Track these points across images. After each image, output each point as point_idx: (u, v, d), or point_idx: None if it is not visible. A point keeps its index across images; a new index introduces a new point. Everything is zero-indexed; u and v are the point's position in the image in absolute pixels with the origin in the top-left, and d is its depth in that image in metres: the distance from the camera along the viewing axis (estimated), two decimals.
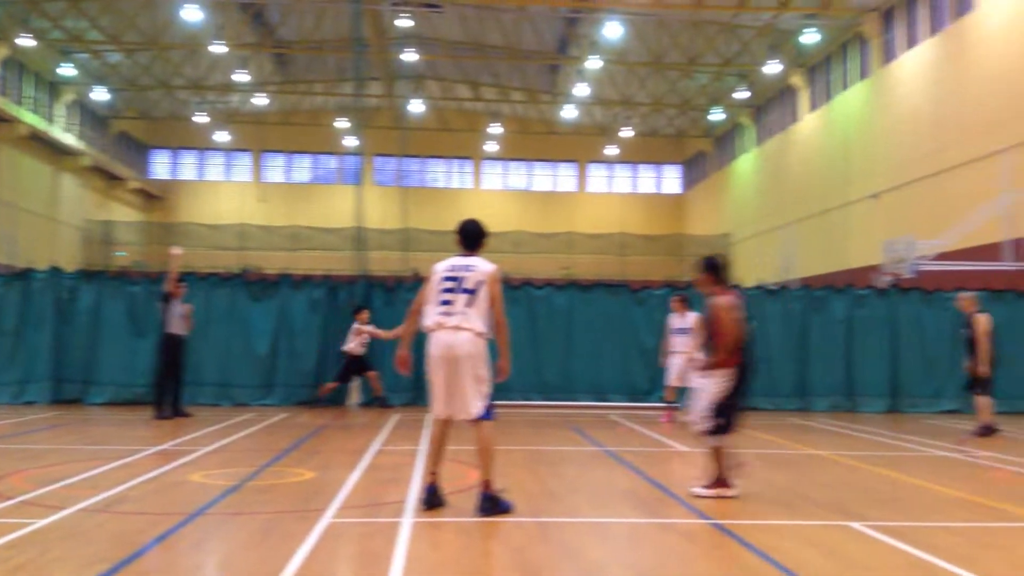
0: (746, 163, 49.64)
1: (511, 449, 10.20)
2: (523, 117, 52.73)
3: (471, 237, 6.99)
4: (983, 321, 12.67)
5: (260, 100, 48.67)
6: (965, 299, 13.22)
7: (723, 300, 7.43)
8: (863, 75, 36.17)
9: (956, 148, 28.70)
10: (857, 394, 16.97)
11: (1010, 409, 16.43)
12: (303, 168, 56.00)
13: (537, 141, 55.14)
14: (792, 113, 43.23)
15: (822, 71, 40.00)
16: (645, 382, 16.88)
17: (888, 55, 34.14)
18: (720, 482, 7.41)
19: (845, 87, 37.77)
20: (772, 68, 39.19)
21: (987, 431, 12.46)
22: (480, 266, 6.79)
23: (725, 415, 7.38)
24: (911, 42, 32.50)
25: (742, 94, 44.59)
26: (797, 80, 41.75)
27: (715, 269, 7.66)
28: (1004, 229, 25.33)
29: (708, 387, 7.40)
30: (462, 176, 57.39)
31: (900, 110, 32.95)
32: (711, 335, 7.46)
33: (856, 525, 6.32)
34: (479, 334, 6.62)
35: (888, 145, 33.60)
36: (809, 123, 41.35)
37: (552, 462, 9.52)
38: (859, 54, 36.51)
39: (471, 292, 6.68)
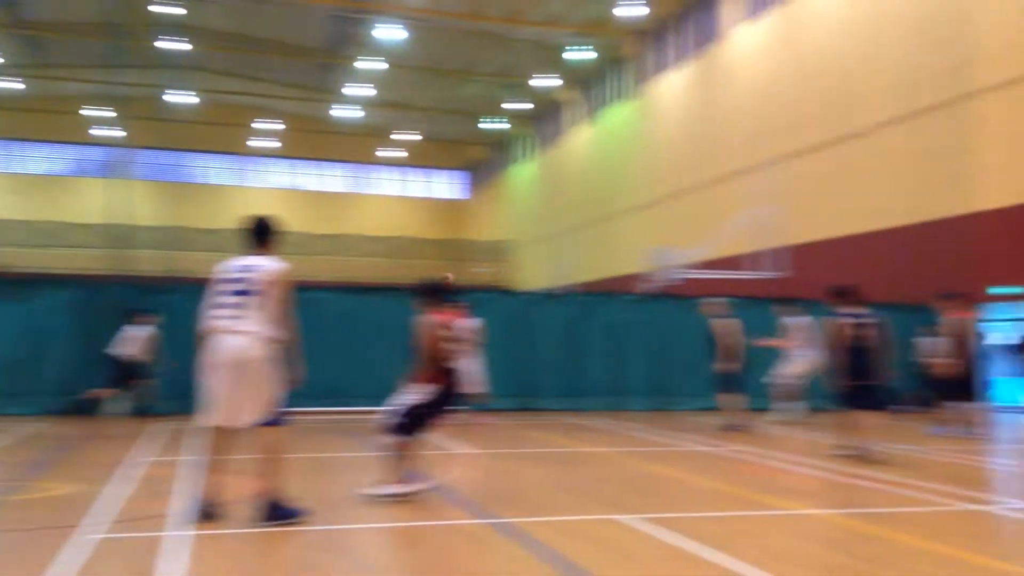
0: (525, 171, 51.11)
1: (290, 457, 9.89)
2: (300, 115, 51.44)
3: (257, 234, 6.65)
4: (719, 325, 13.77)
5: (11, 85, 44.56)
6: (707, 305, 14.41)
7: (430, 320, 7.59)
8: (628, 92, 38.26)
9: (710, 165, 31.02)
10: (624, 393, 17.89)
11: (756, 406, 17.88)
12: (58, 159, 51.73)
13: (314, 140, 53.93)
14: (567, 125, 45.01)
15: (592, 86, 41.93)
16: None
17: (649, 75, 36.31)
18: (398, 481, 7.29)
19: (612, 103, 39.78)
20: (546, 81, 40.62)
21: (734, 428, 13.52)
22: (266, 266, 6.45)
23: (412, 419, 7.38)
24: (669, 64, 34.77)
25: (520, 104, 45.88)
26: (569, 94, 43.52)
27: (428, 292, 7.82)
28: (753, 241, 27.58)
29: (408, 396, 7.47)
30: (233, 173, 55.19)
31: (662, 126, 35.14)
32: (418, 350, 7.59)
33: (627, 518, 6.64)
34: (265, 338, 6.32)
35: (651, 160, 35.73)
36: (582, 135, 43.21)
37: (333, 469, 9.35)
38: (624, 72, 38.59)
39: (255, 294, 6.35)
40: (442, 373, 7.44)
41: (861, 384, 10.41)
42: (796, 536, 6.27)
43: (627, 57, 37.43)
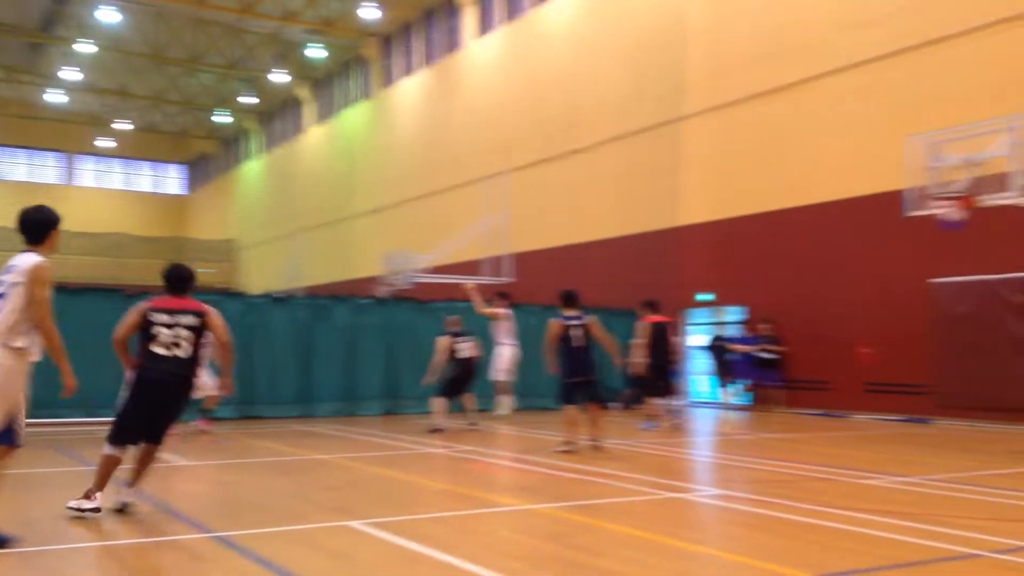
0: (253, 169, 49.39)
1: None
2: (7, 98, 46.36)
3: (28, 229, 5.84)
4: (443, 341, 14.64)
5: None
6: (450, 320, 15.24)
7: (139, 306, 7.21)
8: (366, 95, 38.13)
9: (446, 172, 31.64)
10: (357, 398, 17.77)
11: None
12: None
13: (15, 125, 48.90)
14: (299, 124, 44.05)
15: (328, 86, 41.37)
16: None
17: (388, 79, 36.43)
18: (87, 495, 6.74)
19: (348, 104, 39.48)
20: (278, 77, 39.57)
21: (437, 430, 13.75)
22: (21, 263, 5.66)
23: (117, 426, 7.00)
24: (408, 70, 35.07)
25: (249, 99, 44.33)
26: (303, 92, 42.65)
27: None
28: (484, 247, 28.42)
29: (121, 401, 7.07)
30: None
31: (399, 131, 35.35)
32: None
33: (356, 524, 6.61)
34: (5, 345, 5.54)
35: (388, 163, 35.84)
36: (315, 135, 42.48)
37: (34, 486, 8.52)
38: (362, 74, 38.43)
39: (3, 296, 5.58)
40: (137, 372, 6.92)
41: (579, 381, 11.25)
42: (518, 531, 6.54)
43: (366, 59, 37.29)
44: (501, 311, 16.85)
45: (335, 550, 5.87)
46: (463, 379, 14.61)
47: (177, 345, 6.98)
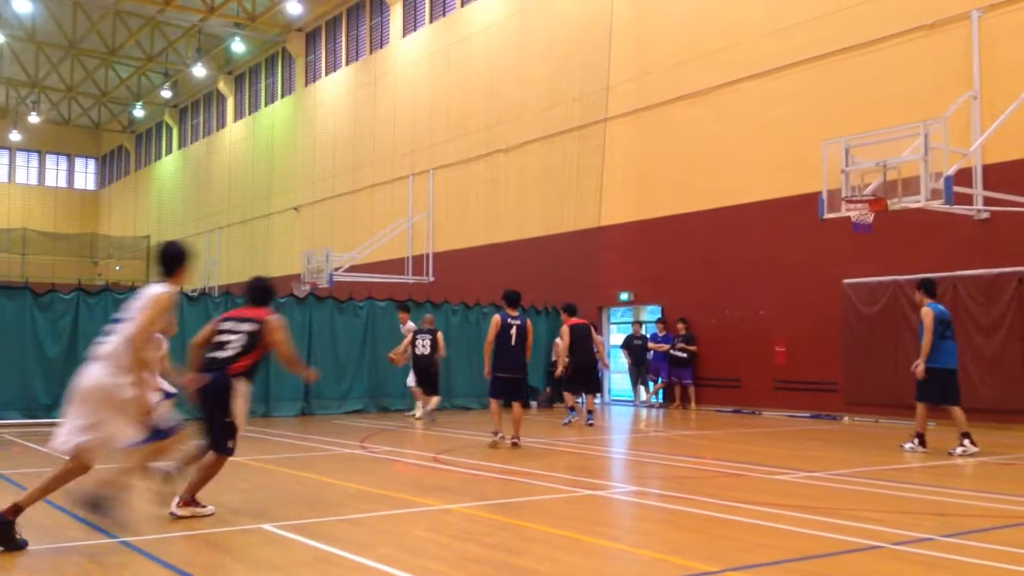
0: (170, 164, 48.22)
1: None
2: None
3: (162, 262, 6.37)
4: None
5: None
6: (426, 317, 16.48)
7: None
8: (288, 90, 37.57)
9: (370, 170, 31.35)
10: (273, 399, 17.46)
11: (410, 407, 18.41)
12: None
13: None
14: (219, 118, 43.15)
15: (249, 81, 40.62)
16: (47, 396, 15.32)
17: (312, 75, 35.95)
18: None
19: (271, 100, 38.83)
20: (198, 71, 38.69)
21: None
22: (147, 291, 6.06)
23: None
24: (332, 66, 34.66)
25: (167, 93, 43.24)
26: (224, 86, 41.79)
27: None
28: (406, 246, 28.27)
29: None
30: None
31: (322, 128, 34.90)
32: None
33: (268, 526, 6.49)
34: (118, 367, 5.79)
35: (310, 160, 35.36)
36: (235, 131, 41.67)
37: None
38: (286, 69, 37.84)
39: None
40: None
41: (508, 377, 11.76)
42: (435, 531, 6.50)
43: (291, 54, 36.70)
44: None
45: (246, 554, 5.75)
46: (418, 374, 15.86)
47: (220, 347, 7.05)
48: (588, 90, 22.94)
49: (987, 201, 14.72)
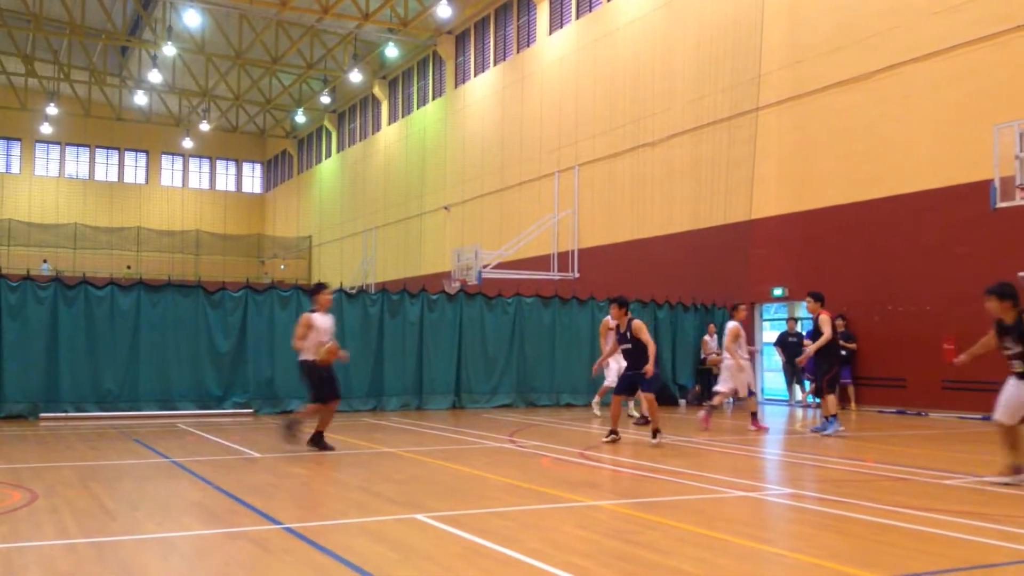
0: (329, 167, 50.23)
1: (60, 466, 9.27)
2: (87, 100, 48.04)
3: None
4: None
5: None
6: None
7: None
8: (439, 92, 38.42)
9: (517, 168, 31.67)
10: (426, 392, 17.94)
11: (552, 402, 18.56)
12: None
13: (102, 126, 50.63)
14: (374, 122, 44.62)
15: (402, 84, 41.81)
16: (218, 388, 16.29)
17: (461, 76, 36.65)
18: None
19: (423, 102, 39.83)
20: (355, 76, 40.12)
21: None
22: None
23: None
24: (481, 67, 35.21)
25: (325, 98, 45.05)
26: (379, 91, 43.17)
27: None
28: (552, 243, 28.39)
29: None
30: (10, 160, 51.00)
31: (471, 128, 35.53)
32: None
33: (421, 517, 6.66)
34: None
35: (460, 160, 36.06)
36: (389, 133, 42.98)
37: (109, 478, 8.81)
38: (435, 72, 38.72)
39: None
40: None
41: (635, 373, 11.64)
42: (581, 527, 6.50)
43: (441, 57, 37.55)
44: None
45: (400, 543, 5.93)
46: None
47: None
48: (738, 79, 22.36)
49: None
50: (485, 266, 25.51)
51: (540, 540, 6.01)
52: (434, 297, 18.83)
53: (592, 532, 6.35)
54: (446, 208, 36.11)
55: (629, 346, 11.62)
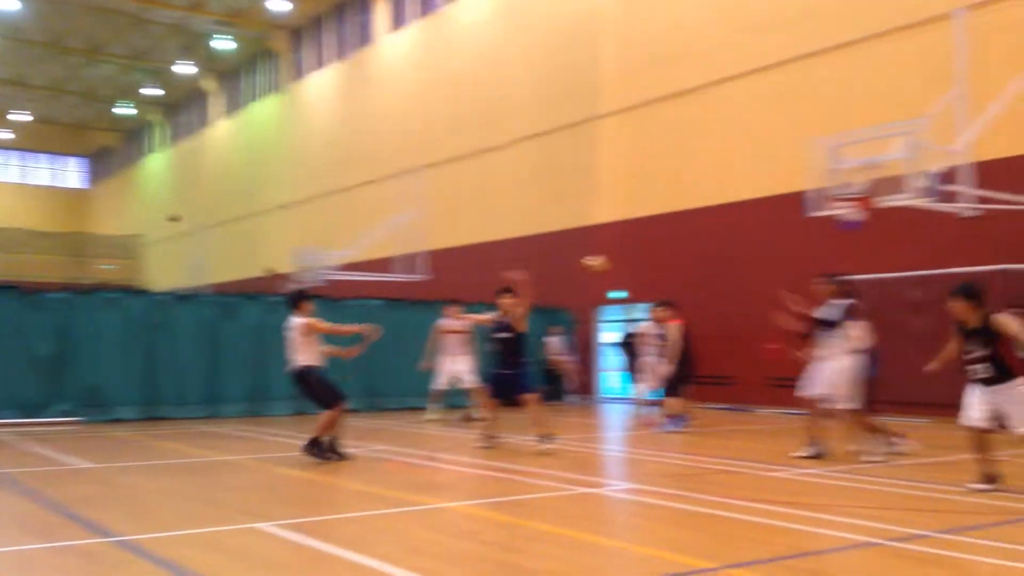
0: (158, 162, 48.05)
1: None
2: None
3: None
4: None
5: None
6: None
7: None
8: (275, 88, 37.46)
9: (360, 167, 31.30)
10: (266, 399, 17.41)
11: (399, 406, 18.46)
12: None
13: None
14: (205, 117, 43.02)
15: (236, 78, 40.50)
16: (39, 395, 15.26)
17: (298, 72, 35.88)
18: None
19: (257, 97, 38.73)
20: (184, 69, 38.55)
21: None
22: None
23: None
24: (319, 63, 34.58)
25: (153, 91, 43.06)
26: (210, 84, 41.65)
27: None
28: (398, 244, 28.22)
29: None
30: None
31: (310, 126, 34.83)
32: None
33: (264, 525, 6.48)
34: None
35: (299, 158, 35.29)
36: (223, 129, 41.54)
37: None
38: (271, 67, 37.74)
39: None
40: None
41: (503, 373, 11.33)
42: (433, 530, 6.51)
43: (276, 52, 36.58)
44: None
45: (243, 552, 5.75)
46: None
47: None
48: (577, 88, 22.96)
49: (975, 199, 14.81)
50: (328, 267, 25.05)
51: (389, 544, 5.97)
52: (274, 299, 18.29)
53: (442, 534, 6.37)
54: (284, 207, 35.24)
55: (509, 335, 11.11)
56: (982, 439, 8.09)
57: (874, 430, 10.29)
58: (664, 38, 20.87)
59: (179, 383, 16.59)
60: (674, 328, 13.97)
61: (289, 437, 13.32)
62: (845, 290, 10.21)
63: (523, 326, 11.20)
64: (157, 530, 6.41)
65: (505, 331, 11.17)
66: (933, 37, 15.98)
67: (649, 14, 21.34)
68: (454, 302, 16.17)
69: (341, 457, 10.13)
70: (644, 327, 15.25)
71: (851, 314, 10.07)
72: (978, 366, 7.95)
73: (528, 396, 11.01)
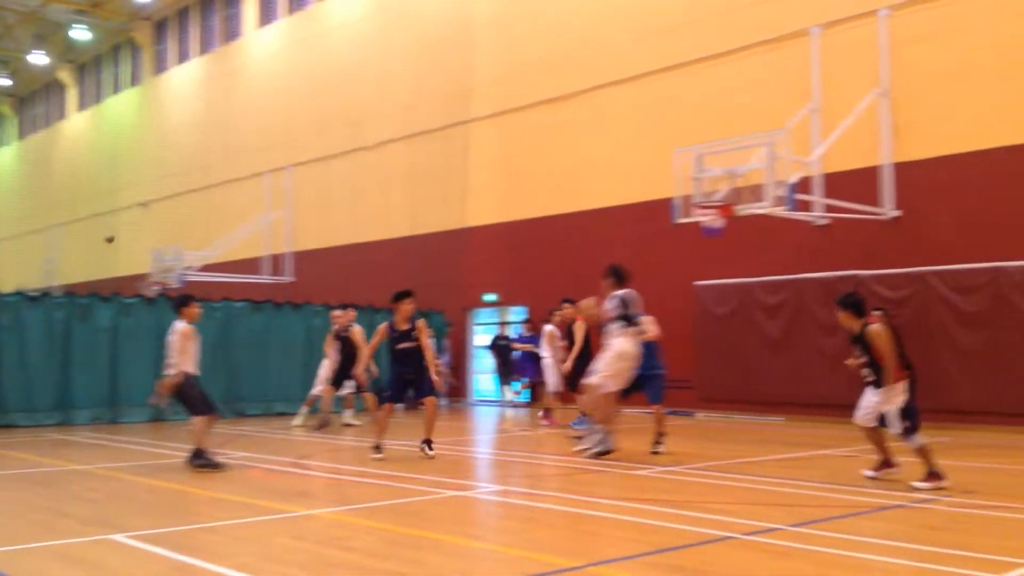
0: (7, 156, 45.36)
1: None
2: None
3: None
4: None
5: None
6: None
7: None
8: (135, 81, 36.00)
9: (224, 165, 30.37)
10: (121, 404, 16.65)
11: (263, 411, 17.99)
12: None
13: None
14: (60, 109, 40.90)
15: (93, 70, 38.67)
16: None
17: (160, 65, 34.57)
18: None
19: (117, 91, 37.11)
20: (38, 59, 36.53)
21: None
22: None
23: None
24: (183, 57, 33.41)
25: (3, 80, 40.63)
26: (66, 76, 39.63)
27: None
28: (264, 245, 27.50)
29: None
30: None
31: (172, 120, 33.59)
32: None
33: (119, 537, 6.18)
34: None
35: (160, 154, 33.97)
36: (78, 122, 39.60)
37: None
38: (131, 60, 36.23)
39: None
40: None
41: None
42: (296, 537, 6.35)
43: (138, 43, 35.08)
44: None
45: (98, 565, 5.47)
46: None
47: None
48: (451, 90, 22.97)
49: (826, 208, 15.63)
50: (189, 268, 24.19)
51: (252, 554, 5.79)
52: (129, 301, 17.52)
53: (307, 541, 6.23)
54: (143, 205, 33.81)
55: (411, 344, 10.78)
56: (872, 435, 8.56)
57: (604, 420, 10.46)
58: (538, 45, 21.13)
59: (28, 389, 15.67)
60: (580, 326, 14.18)
61: (145, 445, 12.78)
62: (620, 283, 10.55)
63: (426, 330, 10.97)
64: (5, 543, 6.03)
65: (405, 341, 10.78)
66: (790, 53, 16.79)
67: (523, 20, 21.57)
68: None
69: (217, 466, 9.78)
70: (548, 328, 15.32)
71: (626, 304, 10.40)
72: (864, 370, 8.38)
73: (430, 399, 10.78)
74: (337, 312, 15.53)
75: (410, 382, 10.77)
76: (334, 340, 15.13)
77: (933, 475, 8.02)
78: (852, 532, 6.25)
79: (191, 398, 9.93)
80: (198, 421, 9.85)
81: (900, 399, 8.14)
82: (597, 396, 10.28)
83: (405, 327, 10.72)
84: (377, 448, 10.64)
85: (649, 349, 10.85)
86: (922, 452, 8.09)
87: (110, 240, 24.90)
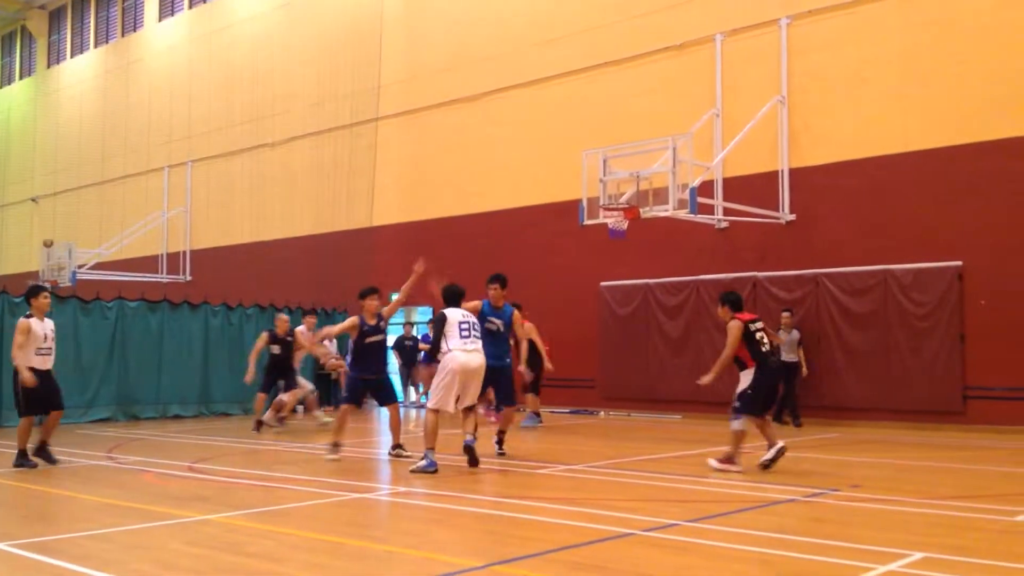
0: None
1: None
2: None
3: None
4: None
5: None
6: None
7: None
8: (28, 72, 34.53)
9: (121, 160, 29.39)
10: (5, 408, 15.88)
11: (158, 414, 17.48)
12: None
13: None
14: None
15: None
16: None
17: (55, 56, 33.24)
18: None
19: (9, 82, 35.53)
20: None
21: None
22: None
23: None
24: (79, 48, 32.20)
25: None
26: None
27: None
28: (161, 243, 26.74)
29: None
30: None
31: (66, 113, 32.34)
32: None
33: (3, 546, 5.91)
34: None
35: (52, 148, 32.67)
36: None
37: None
38: (24, 49, 34.75)
39: None
40: None
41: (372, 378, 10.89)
42: (191, 543, 6.18)
43: (32, 33, 33.60)
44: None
45: None
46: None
47: None
48: (358, 88, 22.73)
49: (726, 211, 16.04)
50: (81, 266, 23.30)
51: (145, 561, 5.61)
52: (17, 300, 16.74)
53: (203, 547, 6.06)
54: (34, 200, 32.42)
55: (380, 337, 10.82)
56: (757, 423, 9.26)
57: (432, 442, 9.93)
58: (447, 45, 21.08)
59: None
60: (531, 328, 14.20)
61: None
62: (448, 303, 10.82)
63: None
64: None
65: (376, 334, 10.80)
66: (695, 59, 17.17)
67: (433, 20, 21.49)
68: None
69: (52, 462, 9.96)
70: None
71: (439, 324, 10.39)
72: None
73: (392, 405, 10.83)
74: (283, 316, 15.59)
75: (369, 385, 10.78)
76: (270, 343, 14.94)
77: (729, 459, 9.10)
78: (746, 526, 6.43)
79: (18, 396, 9.90)
80: (22, 422, 9.93)
81: (745, 383, 9.03)
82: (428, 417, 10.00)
83: (373, 322, 10.88)
84: (335, 446, 10.58)
85: (501, 346, 11.01)
86: (736, 436, 9.07)
87: (47, 244, 23.87)
